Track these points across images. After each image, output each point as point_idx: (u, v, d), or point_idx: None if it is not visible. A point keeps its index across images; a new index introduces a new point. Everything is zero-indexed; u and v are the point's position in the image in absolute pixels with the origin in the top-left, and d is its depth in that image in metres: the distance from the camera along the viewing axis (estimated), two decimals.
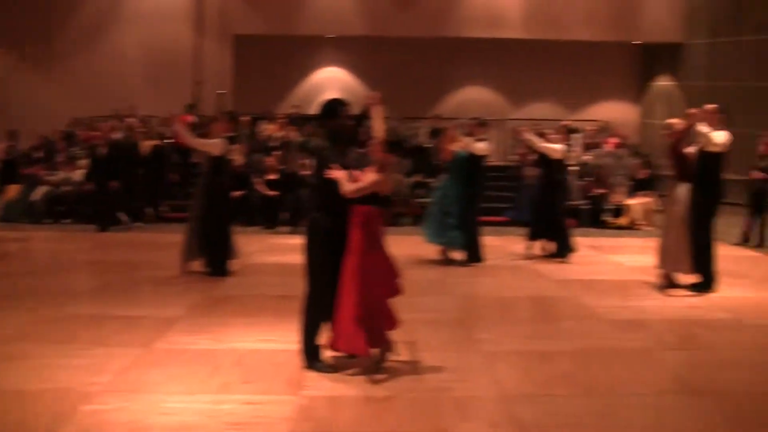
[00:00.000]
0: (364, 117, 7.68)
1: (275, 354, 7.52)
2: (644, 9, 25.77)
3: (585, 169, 19.54)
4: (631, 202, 18.56)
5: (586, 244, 14.62)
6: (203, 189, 11.47)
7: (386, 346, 7.15)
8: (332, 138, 7.14)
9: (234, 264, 11.74)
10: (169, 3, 25.06)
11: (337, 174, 6.83)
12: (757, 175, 15.38)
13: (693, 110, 10.41)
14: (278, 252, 13.93)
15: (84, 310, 9.24)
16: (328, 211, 6.97)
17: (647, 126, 27.24)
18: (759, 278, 11.96)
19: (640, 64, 27.87)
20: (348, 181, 6.83)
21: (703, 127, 10.28)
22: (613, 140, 22.27)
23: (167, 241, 14.30)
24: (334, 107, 7.26)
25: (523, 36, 25.52)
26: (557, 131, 14.13)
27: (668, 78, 26.65)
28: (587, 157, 20.38)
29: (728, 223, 18.73)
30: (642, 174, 19.24)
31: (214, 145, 11.47)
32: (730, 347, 8.18)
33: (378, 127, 7.26)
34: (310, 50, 26.42)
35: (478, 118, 13.39)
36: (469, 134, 13.11)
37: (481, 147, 12.63)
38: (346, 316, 6.80)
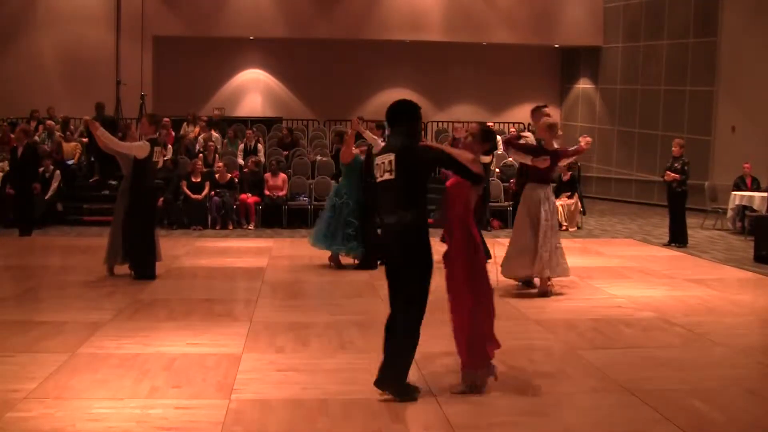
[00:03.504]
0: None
1: (204, 358, 7.44)
2: (563, 13, 26.18)
3: (509, 171, 19.73)
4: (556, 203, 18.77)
5: None
6: (127, 192, 11.30)
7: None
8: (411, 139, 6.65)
9: (159, 267, 11.60)
10: (85, 4, 24.69)
11: (455, 151, 6.53)
12: (671, 176, 15.66)
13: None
14: (205, 255, 13.81)
15: (7, 316, 9.02)
16: (419, 209, 6.49)
17: (569, 128, 27.64)
18: (683, 278, 12.18)
19: (561, 66, 28.28)
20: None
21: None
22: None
23: (90, 245, 14.11)
24: (414, 109, 6.71)
25: (444, 39, 25.75)
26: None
27: (588, 81, 27.10)
28: (510, 159, 20.58)
29: (652, 224, 19.19)
30: (565, 176, 19.49)
31: (138, 148, 11.28)
32: (658, 346, 8.33)
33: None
34: (232, 52, 26.27)
35: (380, 121, 13.29)
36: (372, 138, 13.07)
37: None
38: (468, 326, 6.56)
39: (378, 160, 6.60)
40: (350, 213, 12.40)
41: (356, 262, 12.68)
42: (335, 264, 12.73)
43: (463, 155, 6.46)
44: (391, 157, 6.45)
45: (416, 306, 6.45)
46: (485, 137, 7.07)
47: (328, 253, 12.75)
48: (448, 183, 6.69)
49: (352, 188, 12.54)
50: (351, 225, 12.37)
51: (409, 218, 6.39)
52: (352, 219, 12.38)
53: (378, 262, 12.78)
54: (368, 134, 12.61)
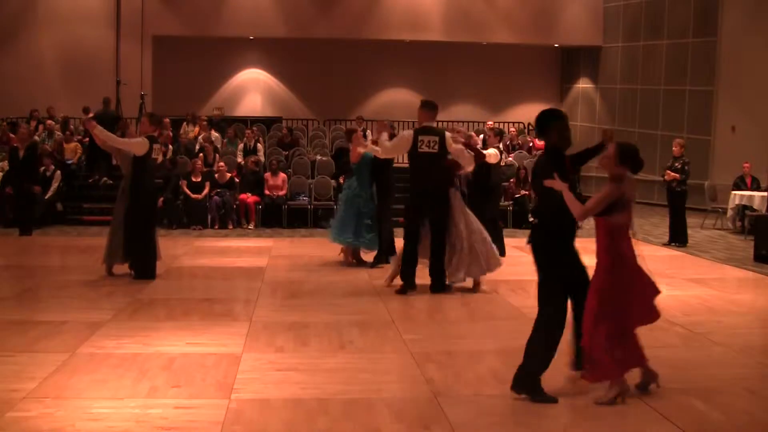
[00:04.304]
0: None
1: (204, 357, 7.43)
2: (563, 13, 26.17)
3: (509, 171, 19.72)
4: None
5: (511, 245, 14.74)
6: (128, 191, 11.27)
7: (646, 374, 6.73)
8: (553, 152, 6.67)
9: (159, 267, 11.58)
10: (84, 4, 24.70)
11: (560, 186, 6.33)
12: (671, 175, 15.64)
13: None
14: (205, 255, 13.80)
15: (7, 316, 9.01)
16: (560, 233, 6.58)
17: None
18: (683, 277, 12.16)
19: (561, 66, 28.27)
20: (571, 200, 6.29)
21: None
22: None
23: (90, 245, 14.10)
24: (544, 119, 6.70)
25: (444, 38, 25.74)
26: (486, 133, 14.15)
27: (588, 80, 27.09)
28: (510, 159, 20.60)
29: (652, 223, 19.17)
30: None
31: (138, 145, 11.24)
32: (658, 346, 8.29)
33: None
34: (232, 52, 26.27)
35: (385, 121, 13.30)
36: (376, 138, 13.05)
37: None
38: (596, 340, 6.40)
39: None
40: (365, 204, 12.39)
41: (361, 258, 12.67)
42: (356, 260, 12.69)
43: (575, 209, 6.29)
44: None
45: (545, 307, 6.61)
46: (623, 158, 6.34)
47: (333, 252, 12.73)
48: None
49: (363, 182, 12.52)
50: (366, 215, 12.35)
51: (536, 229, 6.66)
52: (367, 210, 12.37)
53: (390, 257, 12.72)
54: (370, 146, 12.59)
